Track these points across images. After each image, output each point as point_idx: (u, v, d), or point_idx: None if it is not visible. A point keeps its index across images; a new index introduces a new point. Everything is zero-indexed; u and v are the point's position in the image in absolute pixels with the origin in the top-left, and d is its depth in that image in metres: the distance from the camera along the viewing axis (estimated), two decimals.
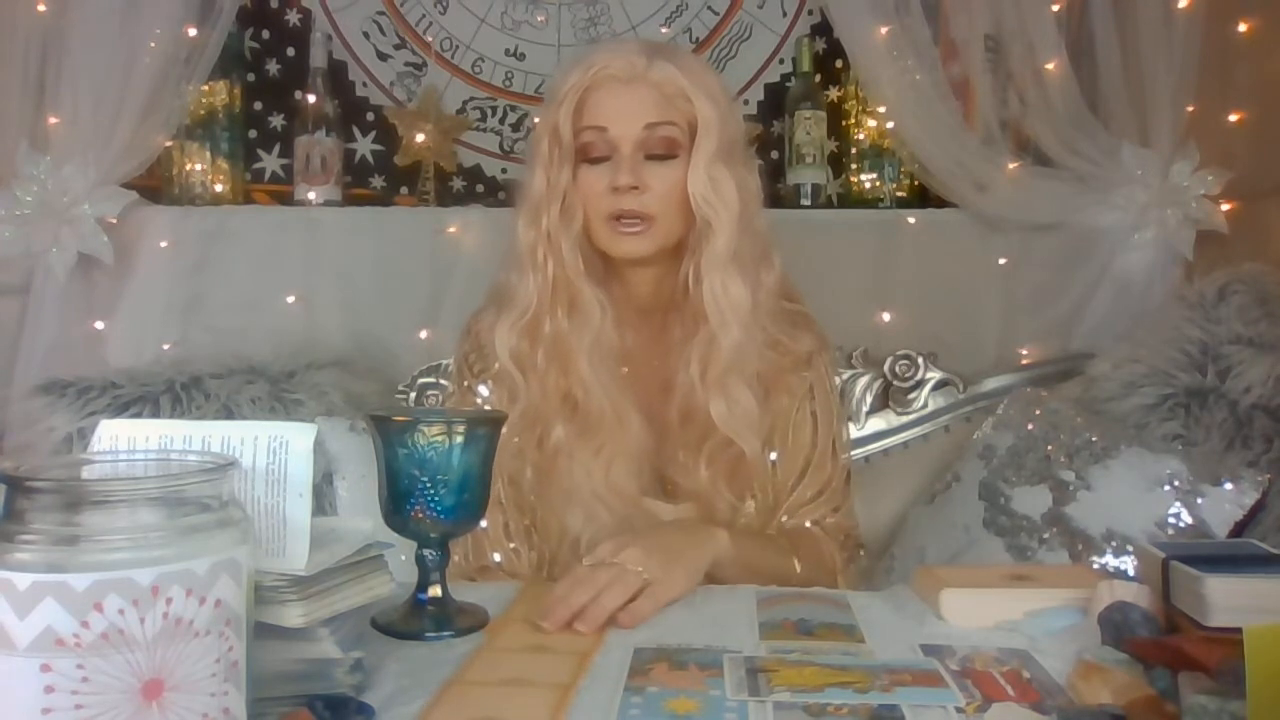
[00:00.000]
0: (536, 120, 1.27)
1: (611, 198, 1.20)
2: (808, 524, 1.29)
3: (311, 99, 2.13)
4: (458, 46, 2.30)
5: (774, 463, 1.30)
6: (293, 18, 2.27)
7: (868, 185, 2.14)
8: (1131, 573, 1.36)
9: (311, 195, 2.09)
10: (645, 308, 1.30)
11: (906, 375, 1.89)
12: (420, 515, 0.93)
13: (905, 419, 1.89)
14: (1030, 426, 1.64)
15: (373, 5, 2.28)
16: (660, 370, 1.30)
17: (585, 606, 0.92)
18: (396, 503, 0.94)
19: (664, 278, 1.28)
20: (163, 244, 2.00)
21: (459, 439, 0.93)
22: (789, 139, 2.14)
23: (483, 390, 1.31)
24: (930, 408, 1.89)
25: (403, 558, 0.95)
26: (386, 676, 0.80)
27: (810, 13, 2.27)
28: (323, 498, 1.71)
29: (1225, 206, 1.88)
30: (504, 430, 1.24)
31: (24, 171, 1.90)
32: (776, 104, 2.23)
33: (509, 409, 1.24)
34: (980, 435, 1.71)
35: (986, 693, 0.77)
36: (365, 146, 2.27)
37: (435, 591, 0.95)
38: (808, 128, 2.11)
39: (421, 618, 0.93)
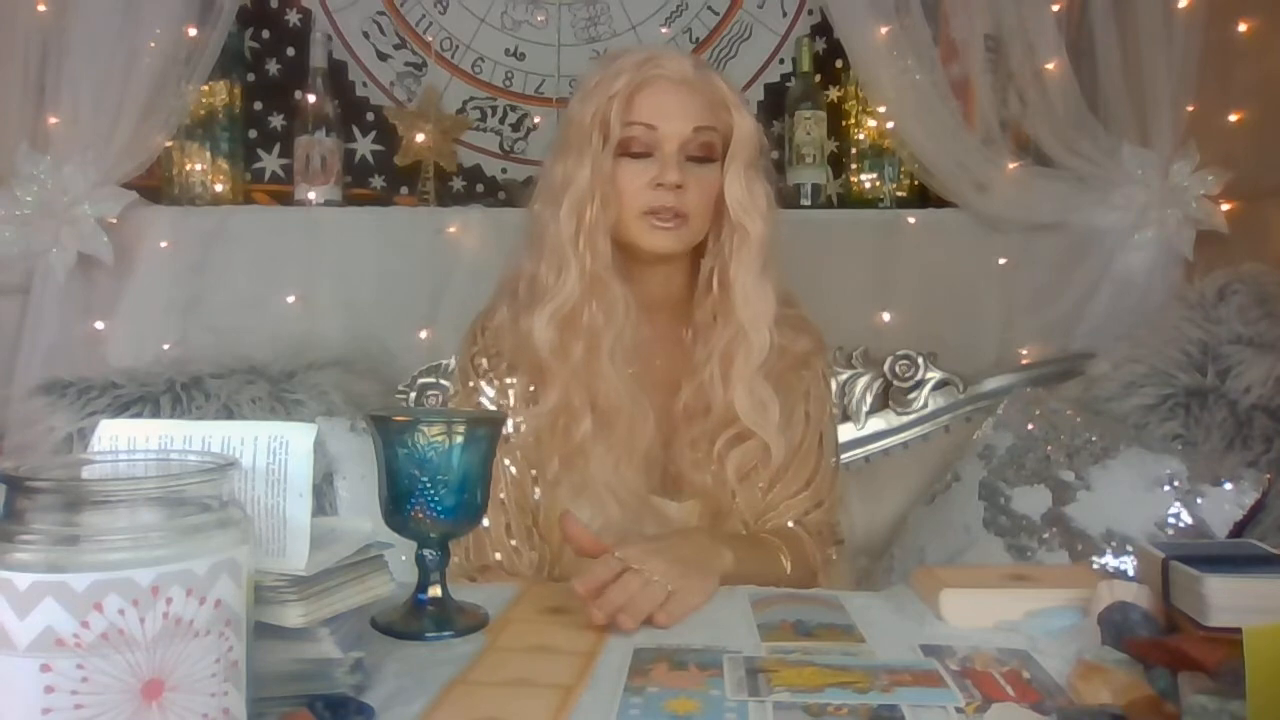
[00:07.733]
0: (573, 108, 1.27)
1: (651, 194, 1.23)
2: (790, 524, 1.31)
3: (311, 99, 2.12)
4: (458, 46, 2.30)
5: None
6: (293, 18, 2.27)
7: (868, 185, 2.14)
8: (1131, 573, 1.36)
9: (311, 195, 2.09)
10: (652, 304, 1.31)
11: (906, 375, 1.89)
12: (420, 515, 0.93)
13: (905, 419, 1.88)
14: (1030, 426, 1.64)
15: (373, 5, 2.28)
16: (666, 366, 1.32)
17: (622, 606, 0.93)
18: (396, 503, 0.94)
19: (674, 276, 1.32)
20: (163, 244, 2.00)
21: (459, 439, 0.93)
22: (789, 139, 2.14)
23: (489, 391, 1.31)
24: (930, 408, 1.88)
25: (403, 558, 0.95)
26: (386, 676, 0.80)
27: (810, 13, 2.27)
28: (323, 498, 1.71)
29: (1225, 206, 1.88)
30: (511, 427, 1.26)
31: (24, 171, 1.90)
32: (776, 104, 2.23)
33: (526, 408, 1.26)
34: (980, 435, 1.72)
35: (986, 693, 0.77)
36: (365, 146, 2.27)
37: (435, 591, 0.95)
38: (808, 128, 2.11)
39: (421, 618, 0.93)
